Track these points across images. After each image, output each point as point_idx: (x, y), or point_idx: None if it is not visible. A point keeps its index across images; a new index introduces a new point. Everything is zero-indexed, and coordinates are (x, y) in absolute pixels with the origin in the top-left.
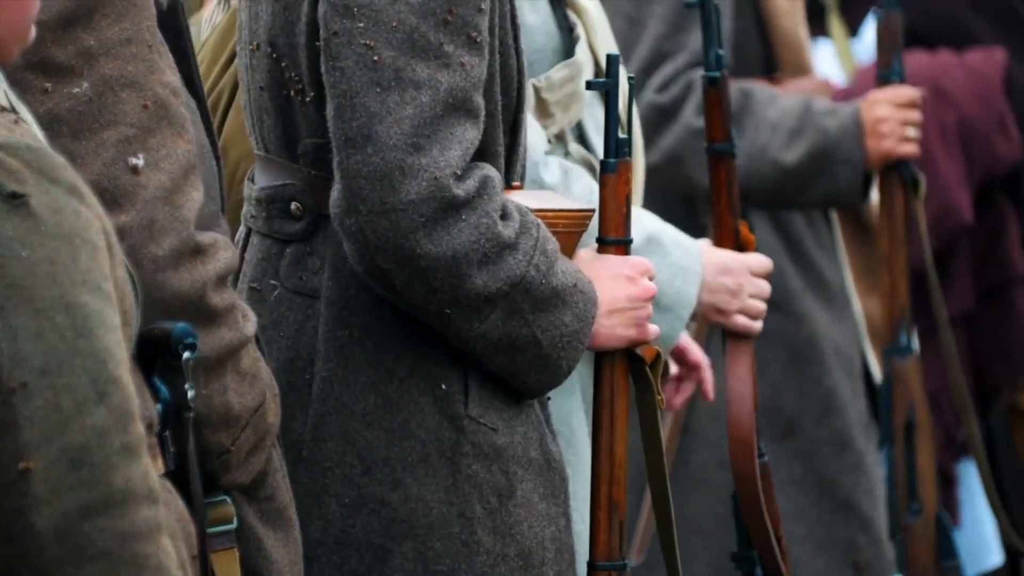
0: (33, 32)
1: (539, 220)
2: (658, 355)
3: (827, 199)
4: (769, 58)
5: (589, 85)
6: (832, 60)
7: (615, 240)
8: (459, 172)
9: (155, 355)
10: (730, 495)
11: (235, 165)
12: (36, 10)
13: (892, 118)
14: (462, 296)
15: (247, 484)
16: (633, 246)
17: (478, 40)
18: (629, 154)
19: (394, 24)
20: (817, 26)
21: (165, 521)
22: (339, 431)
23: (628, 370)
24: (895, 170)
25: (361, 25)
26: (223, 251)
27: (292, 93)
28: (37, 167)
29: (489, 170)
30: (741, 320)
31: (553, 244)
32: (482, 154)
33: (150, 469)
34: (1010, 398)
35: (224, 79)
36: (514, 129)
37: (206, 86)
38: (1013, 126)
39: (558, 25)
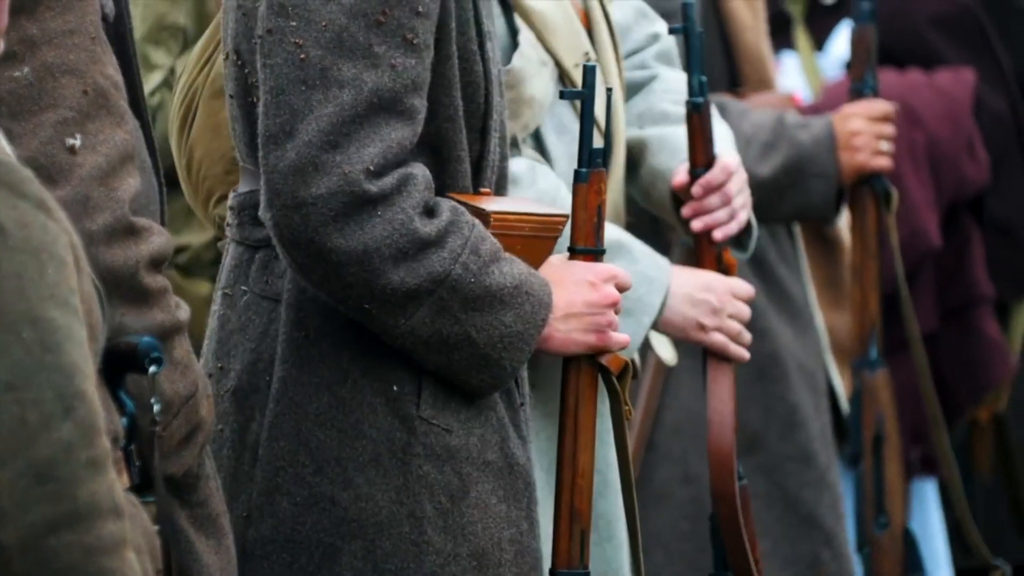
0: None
1: (476, 221)
2: (626, 365)
3: (800, 212)
4: (733, 73)
5: (563, 95)
6: (798, 74)
7: (584, 249)
8: (373, 168)
9: (121, 369)
10: (708, 516)
11: (198, 164)
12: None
13: (866, 131)
14: (378, 291)
15: (179, 477)
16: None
17: (415, 42)
18: (603, 165)
19: (324, 24)
20: (783, 39)
21: (131, 535)
22: (292, 430)
23: (594, 378)
24: (867, 183)
25: (293, 24)
26: (157, 236)
27: (255, 100)
28: (5, 181)
29: (415, 168)
30: (719, 338)
31: (491, 245)
32: (441, 157)
33: (116, 483)
34: (971, 414)
35: (199, 78)
36: (483, 135)
37: (186, 83)
38: (981, 148)
39: (509, 31)
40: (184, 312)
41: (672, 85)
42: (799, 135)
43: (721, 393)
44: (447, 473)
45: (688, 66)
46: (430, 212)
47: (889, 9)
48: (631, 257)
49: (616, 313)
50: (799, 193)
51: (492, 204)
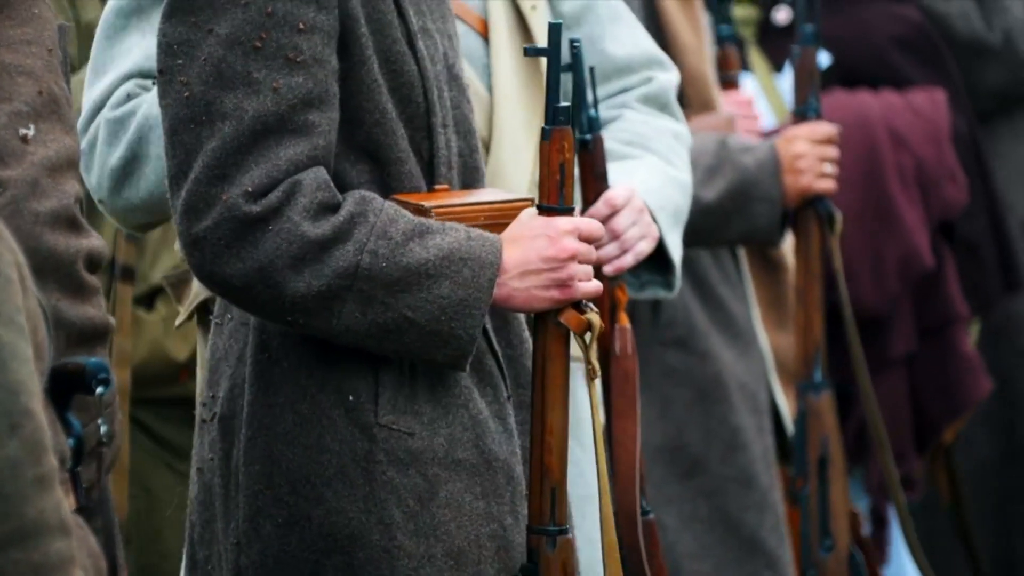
0: None
1: (387, 207)
2: (589, 323)
3: (745, 236)
4: (677, 96)
5: (526, 51)
6: (759, 96)
7: (548, 207)
8: (252, 190)
9: (68, 390)
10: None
11: None
12: None
13: (809, 154)
14: (290, 302)
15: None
16: None
17: (299, 60)
18: (567, 122)
19: (204, 58)
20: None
21: (78, 554)
22: (265, 453)
23: (562, 336)
24: (812, 206)
25: (180, 62)
26: (96, 239)
27: None
28: None
29: (304, 175)
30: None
31: (406, 224)
32: (380, 161)
33: (63, 501)
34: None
35: None
36: (430, 134)
37: None
38: (959, 169)
39: None
40: (112, 322)
41: (629, 125)
42: (743, 159)
43: (626, 443)
44: (412, 476)
45: (574, 103)
46: (330, 210)
47: (851, 32)
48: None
49: (581, 263)
50: (744, 217)
51: (437, 199)
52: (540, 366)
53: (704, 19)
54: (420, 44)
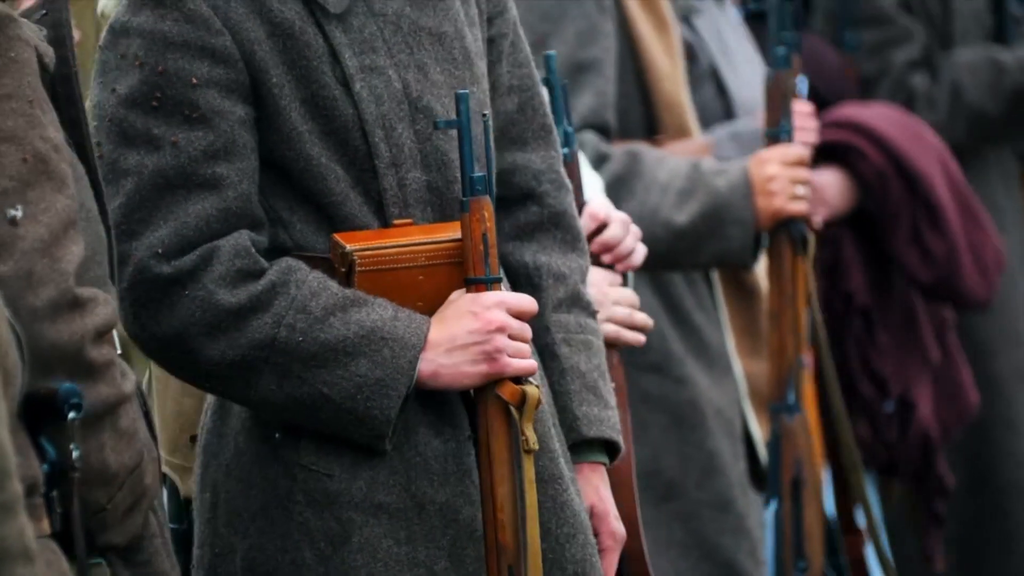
0: None
1: (313, 278)
2: (524, 394)
3: (719, 259)
4: (651, 120)
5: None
6: None
7: (475, 279)
8: (162, 251)
9: (41, 415)
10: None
11: None
12: None
13: (781, 176)
14: (204, 370)
15: (123, 546)
16: None
17: (195, 115)
18: (484, 191)
19: (109, 119)
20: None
21: None
22: (211, 482)
23: (502, 409)
24: (784, 228)
25: (95, 123)
26: (103, 307)
27: None
28: None
29: (224, 242)
30: (610, 328)
31: (328, 299)
32: (320, 205)
33: (27, 527)
34: None
35: None
36: (377, 174)
37: None
38: None
39: None
40: (130, 382)
41: None
42: (715, 182)
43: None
44: (326, 519)
45: (554, 117)
46: (251, 277)
47: (811, 57)
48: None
49: (512, 337)
50: (717, 240)
51: (367, 242)
52: (485, 443)
53: (679, 45)
54: (359, 86)
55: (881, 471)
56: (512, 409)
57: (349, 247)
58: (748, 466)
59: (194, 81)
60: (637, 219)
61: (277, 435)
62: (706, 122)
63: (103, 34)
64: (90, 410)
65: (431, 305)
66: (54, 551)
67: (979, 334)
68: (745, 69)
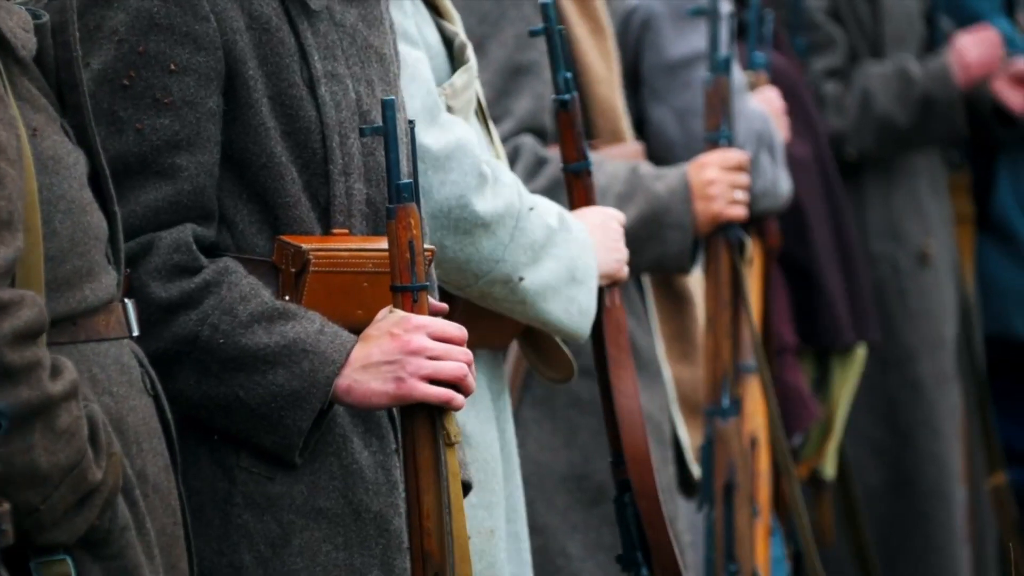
0: None
1: (245, 282)
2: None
3: (657, 263)
4: (586, 125)
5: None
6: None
7: (401, 287)
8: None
9: None
10: (612, 499)
11: None
12: None
13: (720, 181)
14: None
15: (71, 542)
16: (549, 230)
17: (166, 101)
18: (411, 199)
19: None
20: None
21: None
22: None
23: (427, 420)
24: (722, 232)
25: None
26: (27, 309)
27: None
28: None
29: (165, 234)
30: (625, 270)
31: (256, 306)
32: (267, 204)
33: None
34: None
35: None
36: (327, 180)
37: None
38: None
39: (443, 40)
40: (63, 382)
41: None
42: (654, 186)
43: (625, 387)
44: (267, 521)
45: (552, 64)
46: (186, 273)
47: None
48: (568, 228)
49: (432, 359)
50: (656, 244)
51: (321, 244)
52: (411, 451)
53: (615, 50)
54: (323, 90)
55: None
56: (433, 410)
57: (305, 246)
58: (676, 471)
59: (172, 67)
60: None
61: (216, 437)
62: None
63: None
64: (10, 412)
65: (370, 314)
66: None
67: (903, 338)
68: None
